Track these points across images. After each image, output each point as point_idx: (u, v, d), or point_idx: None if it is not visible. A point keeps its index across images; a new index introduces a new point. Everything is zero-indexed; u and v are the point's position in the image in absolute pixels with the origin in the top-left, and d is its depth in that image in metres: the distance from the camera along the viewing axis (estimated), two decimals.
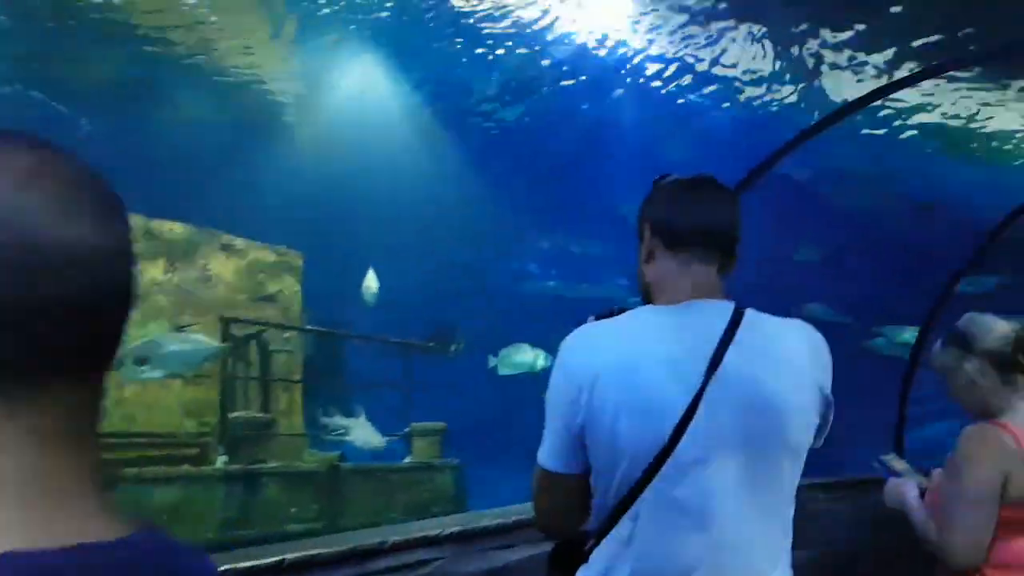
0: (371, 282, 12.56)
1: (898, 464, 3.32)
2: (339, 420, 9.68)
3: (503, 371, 12.12)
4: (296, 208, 13.42)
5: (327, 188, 13.78)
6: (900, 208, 15.10)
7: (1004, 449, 2.64)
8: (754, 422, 1.74)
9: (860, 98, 4.12)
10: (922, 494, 2.98)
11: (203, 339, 8.33)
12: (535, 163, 15.25)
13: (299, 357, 11.21)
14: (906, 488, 3.06)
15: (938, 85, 11.27)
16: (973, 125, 12.45)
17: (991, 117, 11.96)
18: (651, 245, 1.94)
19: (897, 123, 12.99)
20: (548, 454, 1.85)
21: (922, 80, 3.91)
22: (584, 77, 13.06)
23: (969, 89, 11.31)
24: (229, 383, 9.56)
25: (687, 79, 13.05)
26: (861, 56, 11.21)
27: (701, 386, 1.70)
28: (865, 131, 13.16)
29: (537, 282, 20.85)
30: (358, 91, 13.37)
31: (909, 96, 11.84)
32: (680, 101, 13.45)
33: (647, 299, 1.96)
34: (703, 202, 1.95)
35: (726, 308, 1.82)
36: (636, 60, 12.58)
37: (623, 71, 12.88)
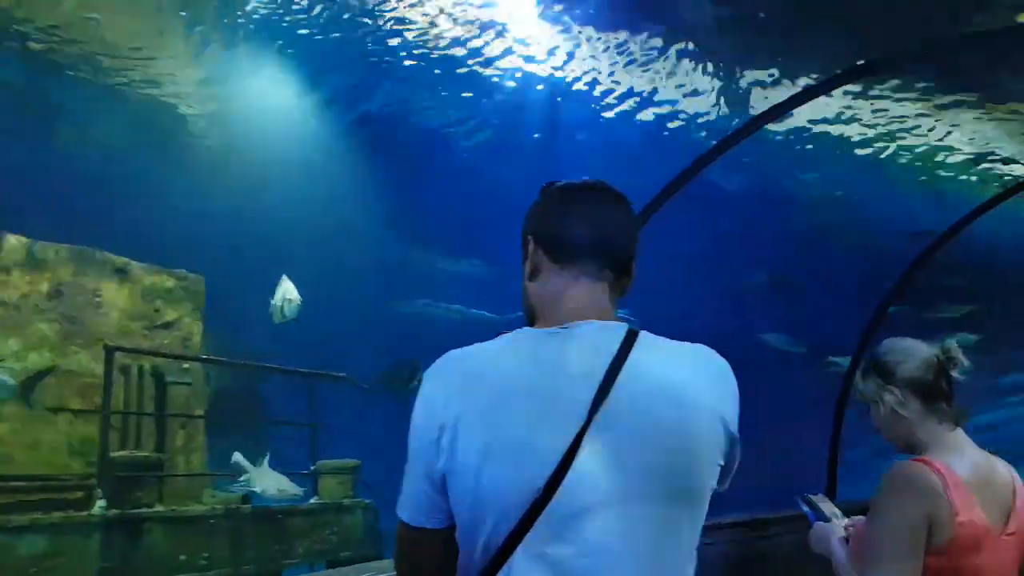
0: (290, 293, 10.89)
1: (825, 505, 3.05)
2: (242, 464, 8.92)
3: None
4: (200, 229, 12.59)
5: (234, 208, 12.98)
6: (848, 228, 15.02)
7: (928, 489, 2.38)
8: (647, 465, 1.50)
9: (747, 123, 3.78)
10: (848, 539, 2.75)
11: None
12: (454, 182, 14.78)
13: (201, 390, 10.44)
14: (831, 532, 2.83)
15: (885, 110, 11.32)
16: (917, 143, 12.52)
17: (933, 133, 12.02)
18: (535, 260, 1.73)
19: (840, 143, 12.98)
20: (407, 505, 1.60)
21: (806, 100, 3.62)
22: (501, 97, 12.77)
23: (915, 103, 11.36)
24: (111, 419, 8.73)
25: (604, 96, 12.88)
26: (787, 83, 11.20)
27: (584, 423, 1.47)
28: (807, 147, 13.12)
29: (450, 306, 20.12)
30: (265, 107, 12.68)
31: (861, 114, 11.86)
32: (597, 117, 13.25)
33: (531, 321, 1.74)
34: (594, 211, 1.74)
35: (617, 331, 1.59)
36: (558, 76, 12.35)
37: (539, 88, 12.61)
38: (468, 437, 1.48)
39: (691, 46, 11.46)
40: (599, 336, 1.58)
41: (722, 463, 1.60)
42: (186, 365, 9.77)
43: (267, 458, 8.80)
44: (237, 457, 9.02)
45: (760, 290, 16.47)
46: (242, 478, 8.63)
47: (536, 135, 14.00)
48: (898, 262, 5.15)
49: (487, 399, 1.50)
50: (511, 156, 13.84)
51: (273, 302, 10.94)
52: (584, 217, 1.72)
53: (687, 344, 1.67)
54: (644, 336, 1.60)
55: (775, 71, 11.24)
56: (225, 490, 9.28)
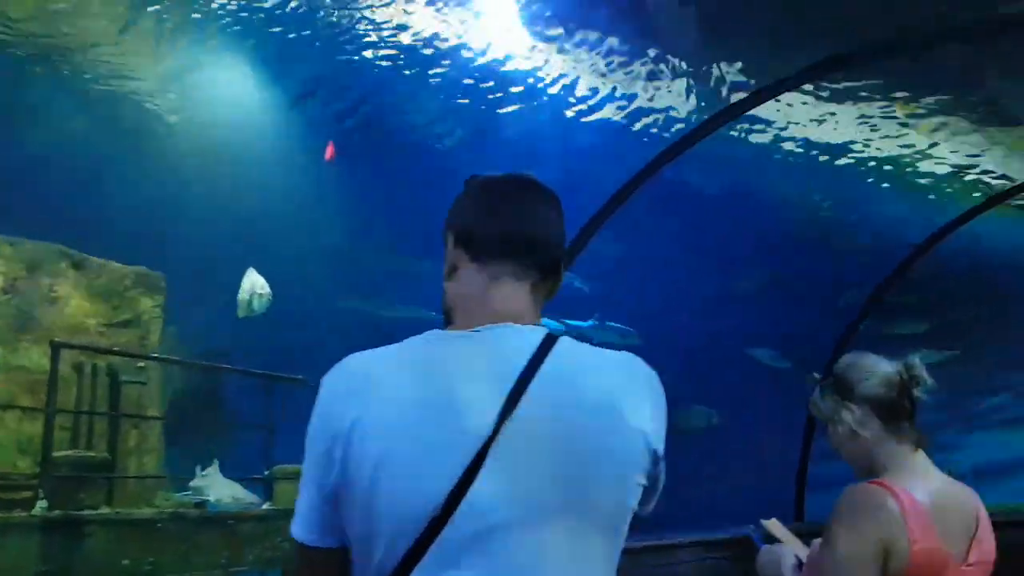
0: (260, 286, 10.07)
1: (777, 530, 2.91)
2: (198, 471, 8.68)
3: None
4: (163, 226, 12.32)
5: (199, 206, 12.73)
6: (835, 238, 14.92)
7: (886, 514, 2.25)
8: (557, 483, 1.38)
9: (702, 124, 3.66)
10: (802, 565, 2.63)
11: None
12: (427, 183, 14.60)
13: (157, 390, 10.20)
14: (783, 556, 2.71)
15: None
16: (902, 155, 12.48)
17: (918, 141, 11.99)
18: (454, 257, 1.62)
19: (824, 149, 12.92)
20: (299, 522, 1.47)
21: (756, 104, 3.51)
22: (463, 98, 12.61)
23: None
24: (64, 418, 8.50)
25: (581, 96, 12.77)
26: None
27: (489, 435, 1.34)
28: (787, 153, 13.05)
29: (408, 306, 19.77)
30: (233, 103, 12.44)
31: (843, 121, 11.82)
32: (574, 120, 13.14)
33: (448, 323, 1.61)
34: (518, 207, 1.62)
35: (535, 335, 1.48)
36: (525, 77, 12.24)
37: (510, 88, 12.49)
38: (362, 448, 1.36)
39: (670, 50, 11.39)
40: (513, 341, 1.47)
41: (644, 483, 1.49)
42: (141, 364, 9.51)
43: (215, 464, 8.52)
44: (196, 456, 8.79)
45: (747, 302, 16.34)
46: (191, 484, 8.38)
47: (514, 137, 13.83)
48: (882, 274, 5.08)
49: (385, 407, 1.38)
50: (487, 159, 13.70)
51: (240, 295, 10.32)
52: (506, 213, 1.61)
53: (612, 352, 1.55)
54: (564, 342, 1.49)
55: (754, 75, 11.14)
56: (182, 494, 9.04)
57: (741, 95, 11.53)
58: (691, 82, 11.94)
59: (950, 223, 4.92)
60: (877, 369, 2.49)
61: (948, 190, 13.07)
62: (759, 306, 16.15)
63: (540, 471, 1.37)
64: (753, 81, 11.20)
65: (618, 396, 1.46)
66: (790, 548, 2.74)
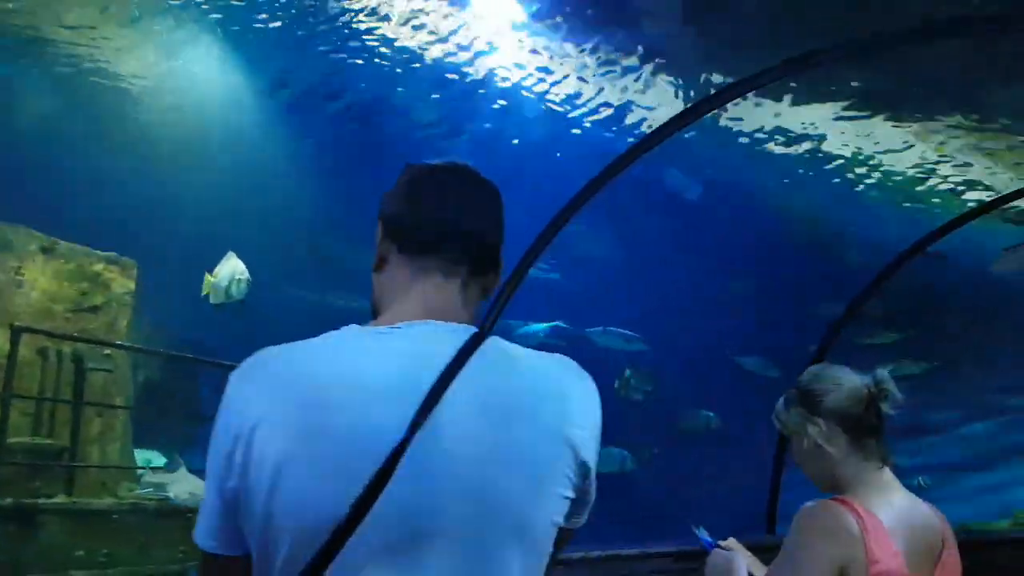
0: (239, 271, 9.45)
1: (735, 547, 2.76)
2: (152, 464, 8.50)
3: None
4: (137, 210, 12.07)
5: (175, 193, 12.51)
6: (825, 245, 14.75)
7: (844, 533, 2.15)
8: (472, 494, 1.29)
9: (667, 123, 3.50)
10: None
11: None
12: (401, 169, 14.41)
13: (124, 379, 9.98)
14: (735, 562, 2.57)
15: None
16: (894, 162, 12.38)
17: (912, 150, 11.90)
18: (383, 248, 1.55)
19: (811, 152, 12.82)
20: (201, 526, 1.38)
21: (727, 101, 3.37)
22: (436, 94, 12.45)
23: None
24: (26, 405, 8.29)
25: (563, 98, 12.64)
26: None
27: (400, 442, 1.24)
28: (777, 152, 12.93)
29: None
30: (209, 87, 12.20)
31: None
32: (569, 123, 13.02)
33: (375, 318, 1.54)
34: (449, 196, 1.54)
35: (458, 334, 1.39)
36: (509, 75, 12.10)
37: (491, 84, 12.33)
38: (263, 450, 1.26)
39: (664, 56, 11.28)
40: (434, 339, 1.37)
41: (570, 495, 1.39)
42: (108, 351, 9.29)
43: (177, 458, 8.34)
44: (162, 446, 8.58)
45: (735, 307, 16.19)
46: (148, 479, 8.20)
47: (512, 140, 13.69)
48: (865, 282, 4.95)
49: (290, 406, 1.28)
50: (481, 162, 13.52)
51: (215, 280, 9.79)
52: (437, 203, 1.52)
53: (545, 355, 1.46)
54: (492, 343, 1.39)
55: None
56: (143, 490, 8.84)
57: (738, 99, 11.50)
58: (680, 81, 11.84)
59: (928, 235, 4.78)
60: (845, 382, 2.41)
61: (936, 200, 13.00)
62: (745, 313, 16.03)
63: (455, 481, 1.28)
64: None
65: (544, 402, 1.38)
66: (743, 560, 2.61)
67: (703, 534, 2.98)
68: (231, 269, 9.70)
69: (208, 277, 9.70)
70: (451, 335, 1.38)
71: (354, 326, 1.43)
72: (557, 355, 1.48)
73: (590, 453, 1.42)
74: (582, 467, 1.40)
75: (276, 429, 1.27)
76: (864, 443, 2.36)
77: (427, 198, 1.53)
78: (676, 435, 15.66)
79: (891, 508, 2.26)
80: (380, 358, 1.33)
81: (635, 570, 3.74)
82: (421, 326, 1.40)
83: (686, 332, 15.81)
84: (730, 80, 11.19)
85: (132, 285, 10.11)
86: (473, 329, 1.42)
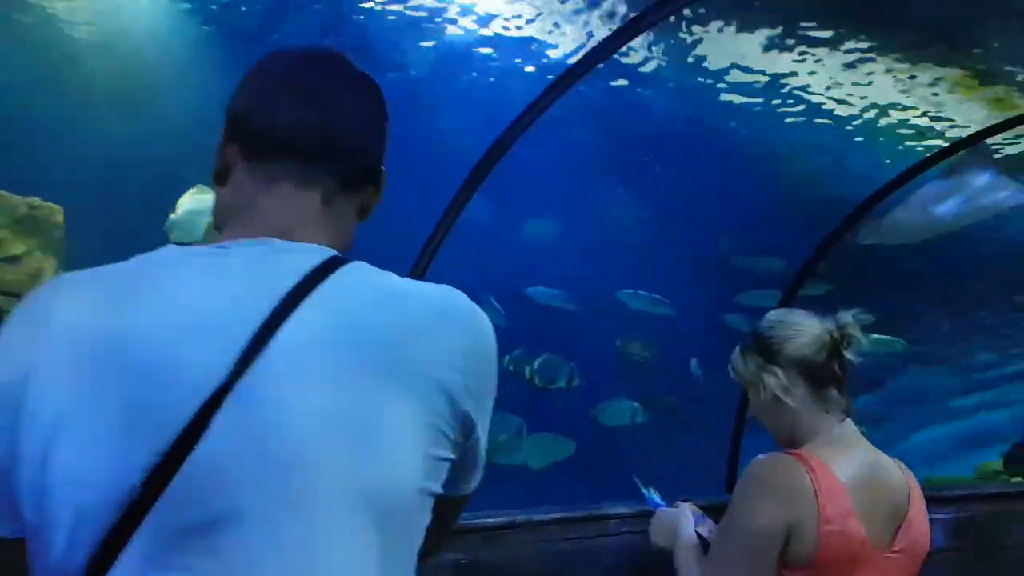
0: (199, 212, 8.39)
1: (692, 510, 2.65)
2: None
3: None
4: (68, 153, 11.29)
5: (109, 132, 11.71)
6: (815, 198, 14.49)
7: (795, 490, 2.00)
8: (312, 456, 1.01)
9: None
10: (707, 548, 2.33)
11: None
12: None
13: None
14: (683, 521, 2.50)
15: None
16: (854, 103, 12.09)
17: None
18: (227, 155, 1.24)
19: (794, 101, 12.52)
20: None
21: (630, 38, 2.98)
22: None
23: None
24: None
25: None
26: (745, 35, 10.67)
27: (217, 390, 0.98)
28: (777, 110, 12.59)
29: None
30: (153, 26, 11.37)
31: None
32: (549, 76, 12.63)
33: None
34: (311, 88, 1.23)
35: (309, 257, 1.12)
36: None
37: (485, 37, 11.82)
38: (35, 406, 0.99)
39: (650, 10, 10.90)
40: (271, 263, 1.12)
41: (447, 455, 1.13)
42: None
43: None
44: None
45: (723, 263, 15.88)
46: None
47: (481, 80, 13.17)
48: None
49: (75, 349, 1.01)
50: (454, 97, 13.06)
51: (175, 216, 8.79)
52: (294, 96, 1.22)
53: (426, 285, 1.19)
54: (353, 268, 1.14)
55: (729, 23, 10.66)
56: None
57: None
58: (672, 40, 11.46)
59: (889, 182, 4.49)
60: (804, 327, 2.25)
61: (911, 144, 12.73)
62: (734, 270, 15.73)
63: (287, 441, 1.01)
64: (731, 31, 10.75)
65: (415, 341, 1.11)
66: (690, 519, 2.51)
67: (652, 495, 2.87)
68: (198, 203, 8.73)
69: (171, 215, 8.95)
70: (297, 258, 1.12)
71: (172, 246, 1.16)
72: (445, 286, 1.21)
73: (473, 401, 1.14)
74: (462, 419, 1.13)
75: (53, 379, 1.00)
76: (825, 393, 2.22)
77: (283, 91, 1.23)
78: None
79: (850, 463, 2.11)
80: (199, 286, 1.07)
81: (605, 530, 3.61)
82: (258, 245, 1.14)
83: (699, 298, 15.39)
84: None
85: (59, 233, 9.52)
86: (330, 252, 1.16)
